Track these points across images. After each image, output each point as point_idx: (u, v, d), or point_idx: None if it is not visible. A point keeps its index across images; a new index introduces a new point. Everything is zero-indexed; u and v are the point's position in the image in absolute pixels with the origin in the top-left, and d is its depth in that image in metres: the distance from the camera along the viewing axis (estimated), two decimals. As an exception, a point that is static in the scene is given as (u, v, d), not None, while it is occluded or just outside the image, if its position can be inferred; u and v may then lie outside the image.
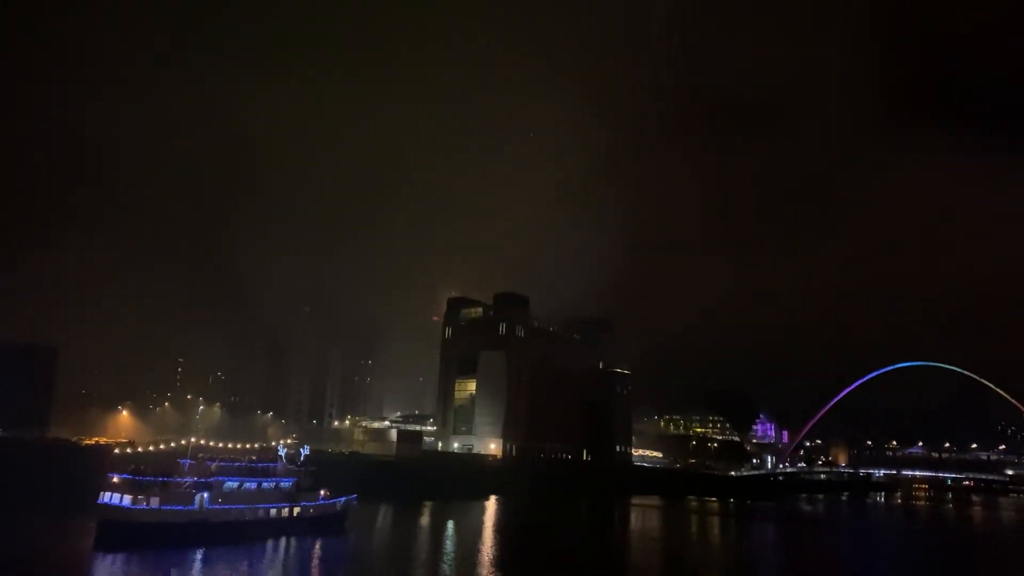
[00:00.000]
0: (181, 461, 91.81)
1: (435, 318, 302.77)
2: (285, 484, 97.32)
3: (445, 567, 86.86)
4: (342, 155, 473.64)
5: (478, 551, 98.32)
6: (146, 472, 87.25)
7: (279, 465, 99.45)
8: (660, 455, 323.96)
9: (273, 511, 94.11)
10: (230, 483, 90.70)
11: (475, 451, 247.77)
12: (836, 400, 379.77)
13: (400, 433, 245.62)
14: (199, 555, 79.71)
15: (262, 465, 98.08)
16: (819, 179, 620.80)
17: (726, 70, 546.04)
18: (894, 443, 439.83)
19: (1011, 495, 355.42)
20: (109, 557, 76.98)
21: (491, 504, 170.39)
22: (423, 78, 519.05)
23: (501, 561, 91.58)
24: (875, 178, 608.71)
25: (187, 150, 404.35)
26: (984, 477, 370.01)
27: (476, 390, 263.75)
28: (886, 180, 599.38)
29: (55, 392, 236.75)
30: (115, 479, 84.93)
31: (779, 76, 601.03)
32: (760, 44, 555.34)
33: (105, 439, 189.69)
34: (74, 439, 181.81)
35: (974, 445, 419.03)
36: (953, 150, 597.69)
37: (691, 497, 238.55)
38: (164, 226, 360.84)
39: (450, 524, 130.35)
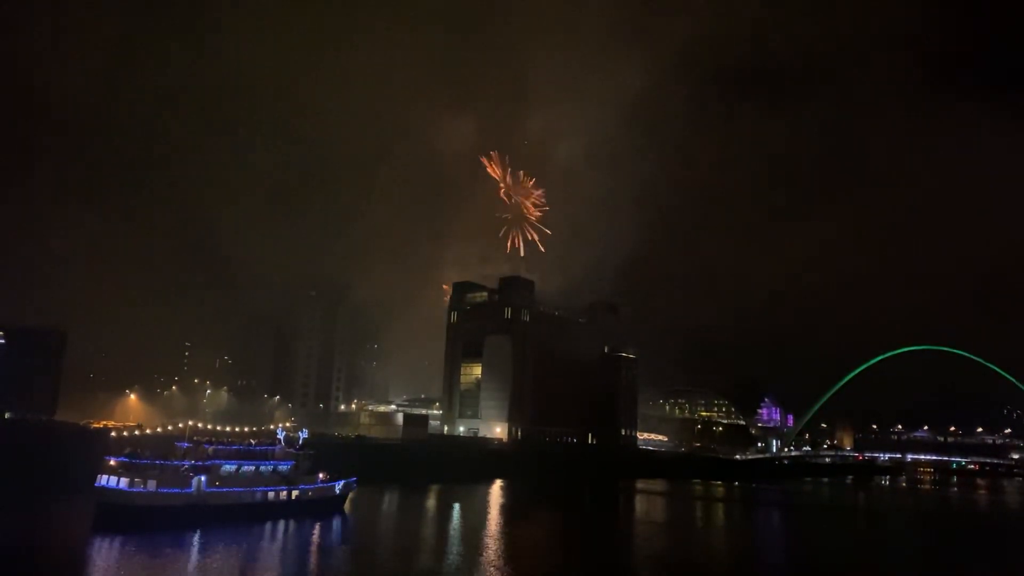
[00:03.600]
0: (178, 444, 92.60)
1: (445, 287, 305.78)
2: (283, 467, 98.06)
3: (443, 551, 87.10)
4: (342, 127, 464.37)
5: (480, 535, 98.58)
6: (143, 455, 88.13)
7: (277, 448, 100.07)
8: (665, 438, 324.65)
9: (271, 494, 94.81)
10: (227, 466, 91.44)
11: (481, 435, 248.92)
12: (841, 384, 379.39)
13: (406, 417, 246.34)
14: (196, 537, 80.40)
15: (260, 448, 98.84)
16: (837, 153, 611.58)
17: (757, 32, 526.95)
18: (899, 427, 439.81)
19: (1016, 478, 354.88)
20: (107, 540, 77.74)
21: (496, 487, 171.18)
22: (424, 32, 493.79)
23: (503, 545, 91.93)
24: (898, 153, 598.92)
25: (187, 129, 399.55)
26: (989, 461, 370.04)
27: (482, 374, 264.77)
28: (909, 156, 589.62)
29: (63, 375, 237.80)
30: (112, 462, 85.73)
31: (810, 42, 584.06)
32: (796, 8, 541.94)
33: (113, 422, 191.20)
34: (82, 422, 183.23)
35: (979, 429, 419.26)
36: (986, 124, 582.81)
37: (696, 480, 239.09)
38: (165, 207, 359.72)
39: (455, 507, 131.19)
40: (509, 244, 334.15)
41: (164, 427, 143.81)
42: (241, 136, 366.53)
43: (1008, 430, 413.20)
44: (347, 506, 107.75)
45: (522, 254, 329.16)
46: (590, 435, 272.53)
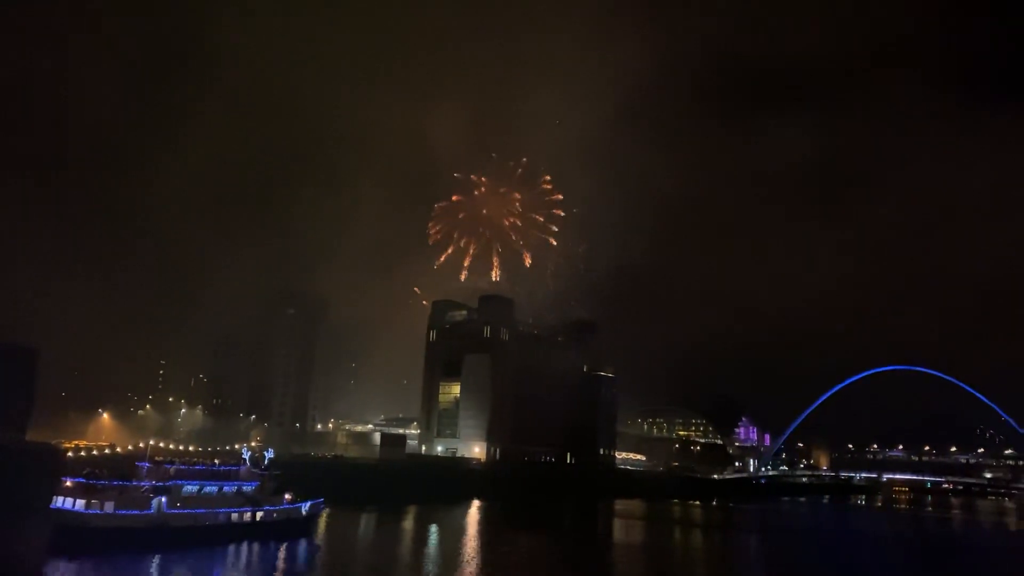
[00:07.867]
0: (139, 464, 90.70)
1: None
2: (247, 488, 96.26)
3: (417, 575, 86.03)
4: (322, 129, 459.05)
5: (456, 558, 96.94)
6: (101, 476, 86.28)
7: (242, 468, 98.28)
8: (643, 458, 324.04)
9: (235, 515, 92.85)
10: (189, 487, 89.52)
11: (459, 454, 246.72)
12: (818, 404, 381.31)
13: (383, 436, 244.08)
14: (156, 560, 78.65)
15: (224, 468, 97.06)
16: (817, 172, 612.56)
17: (755, 37, 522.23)
18: (875, 446, 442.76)
19: (989, 498, 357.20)
20: (62, 563, 75.89)
21: (474, 508, 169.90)
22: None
23: (479, 569, 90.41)
24: (877, 173, 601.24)
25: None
26: (963, 480, 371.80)
27: (460, 393, 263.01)
28: (885, 176, 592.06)
29: (35, 394, 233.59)
30: (68, 483, 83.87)
31: (803, 48, 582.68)
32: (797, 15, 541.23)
33: (86, 442, 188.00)
34: (54, 442, 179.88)
35: (953, 448, 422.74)
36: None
37: (674, 500, 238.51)
38: (138, 223, 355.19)
39: (432, 529, 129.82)
40: (495, 265, 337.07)
41: (124, 447, 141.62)
42: (216, 145, 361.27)
43: (981, 449, 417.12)
44: (320, 527, 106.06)
45: (496, 277, 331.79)
46: (569, 455, 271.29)
